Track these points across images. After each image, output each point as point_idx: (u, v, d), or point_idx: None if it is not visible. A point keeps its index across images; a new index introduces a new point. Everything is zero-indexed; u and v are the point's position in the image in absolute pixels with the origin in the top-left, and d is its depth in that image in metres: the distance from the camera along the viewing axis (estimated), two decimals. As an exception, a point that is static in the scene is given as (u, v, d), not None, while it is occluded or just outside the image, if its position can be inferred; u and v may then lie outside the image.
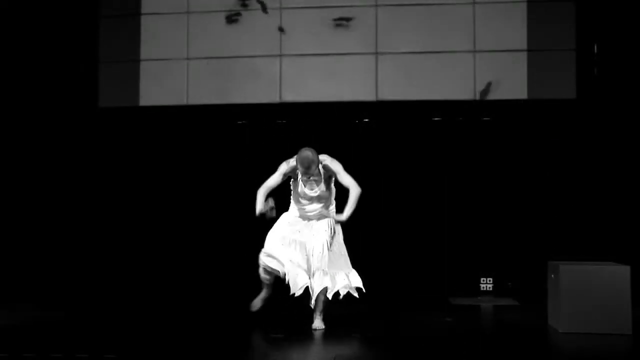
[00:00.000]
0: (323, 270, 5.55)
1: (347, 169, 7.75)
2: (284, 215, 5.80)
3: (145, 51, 7.95)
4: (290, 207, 5.83)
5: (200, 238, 7.76)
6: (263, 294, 5.86)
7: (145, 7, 7.96)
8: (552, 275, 5.77)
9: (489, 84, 7.35)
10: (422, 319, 6.17)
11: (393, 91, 7.65)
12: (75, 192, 7.95)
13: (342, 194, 5.73)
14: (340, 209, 5.66)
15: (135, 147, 7.92)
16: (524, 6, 7.50)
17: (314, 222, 5.71)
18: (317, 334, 5.46)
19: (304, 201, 5.72)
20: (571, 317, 5.44)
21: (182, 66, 7.90)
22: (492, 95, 7.53)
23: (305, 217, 5.73)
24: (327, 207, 5.76)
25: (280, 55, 7.79)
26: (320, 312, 5.62)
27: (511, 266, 7.47)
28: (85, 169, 7.94)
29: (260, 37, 7.81)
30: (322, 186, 5.66)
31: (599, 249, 6.68)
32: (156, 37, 7.93)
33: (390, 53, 7.67)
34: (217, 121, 7.88)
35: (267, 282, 5.77)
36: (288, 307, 5.93)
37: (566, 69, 7.43)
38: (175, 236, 7.82)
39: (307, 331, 5.57)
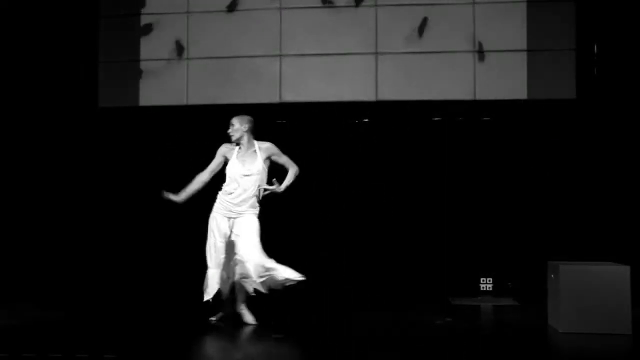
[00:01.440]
0: (263, 265, 5.65)
1: (347, 168, 7.78)
2: (211, 223, 5.90)
3: (145, 51, 7.96)
4: (215, 206, 5.91)
5: (200, 238, 7.73)
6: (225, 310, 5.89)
7: (145, 7, 7.98)
8: (552, 275, 5.78)
9: (424, 19, 7.37)
10: (422, 319, 6.16)
11: (393, 91, 7.65)
12: (75, 192, 7.96)
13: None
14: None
15: (135, 147, 7.93)
16: (523, 6, 7.50)
17: (239, 219, 5.78)
18: (313, 334, 5.48)
19: (236, 184, 5.79)
20: (571, 317, 5.45)
21: (182, 66, 7.91)
22: (492, 95, 7.53)
23: (230, 212, 5.80)
24: (254, 199, 5.84)
25: (280, 55, 7.79)
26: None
27: (511, 266, 7.47)
28: (85, 169, 7.96)
29: (260, 37, 7.82)
30: (256, 165, 5.81)
31: (599, 249, 6.67)
32: (156, 38, 7.94)
33: (390, 53, 7.68)
34: (217, 121, 7.87)
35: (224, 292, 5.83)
36: (288, 307, 5.92)
37: (566, 69, 7.43)
38: (175, 236, 7.81)
39: (307, 331, 5.58)
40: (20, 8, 8.00)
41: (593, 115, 7.40)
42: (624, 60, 7.34)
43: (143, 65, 7.95)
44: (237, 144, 5.93)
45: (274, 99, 7.80)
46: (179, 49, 7.88)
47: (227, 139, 7.82)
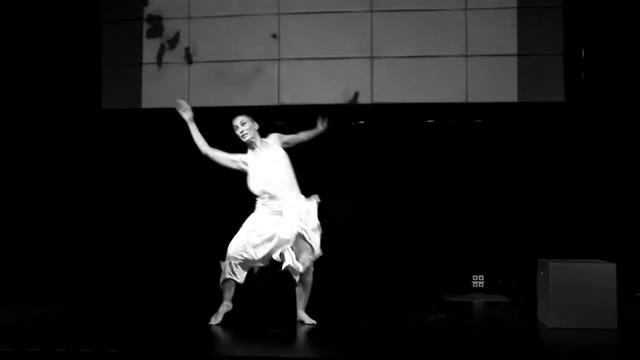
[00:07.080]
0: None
1: (344, 170, 7.82)
2: (248, 221, 5.74)
3: (147, 54, 8.07)
4: (256, 210, 5.77)
5: (199, 237, 7.79)
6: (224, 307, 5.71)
7: (147, 12, 8.07)
8: (542, 273, 5.86)
9: (356, 94, 7.49)
10: (416, 315, 6.23)
11: (388, 94, 7.75)
12: (77, 191, 8.02)
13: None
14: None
15: (137, 148, 7.99)
16: (514, 12, 7.61)
17: (283, 212, 5.61)
18: (309, 331, 5.53)
19: (262, 183, 5.69)
20: (559, 313, 5.55)
21: (183, 69, 8.02)
22: (484, 98, 7.68)
23: (272, 210, 5.66)
24: (291, 188, 5.71)
25: (279, 59, 7.91)
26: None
27: (502, 264, 7.58)
28: (88, 170, 8.02)
29: (259, 41, 7.92)
30: (277, 151, 5.79)
31: (587, 248, 6.75)
32: (157, 41, 8.06)
33: (385, 57, 7.79)
34: (216, 123, 7.94)
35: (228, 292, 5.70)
36: (287, 303, 5.97)
37: (555, 72, 7.54)
38: (175, 235, 7.88)
39: (303, 328, 5.61)
40: (25, 12, 8.05)
41: (581, 117, 7.50)
42: (610, 65, 7.45)
43: (145, 68, 8.06)
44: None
45: (272, 101, 7.89)
46: (188, 56, 8.00)
47: (226, 141, 7.95)
